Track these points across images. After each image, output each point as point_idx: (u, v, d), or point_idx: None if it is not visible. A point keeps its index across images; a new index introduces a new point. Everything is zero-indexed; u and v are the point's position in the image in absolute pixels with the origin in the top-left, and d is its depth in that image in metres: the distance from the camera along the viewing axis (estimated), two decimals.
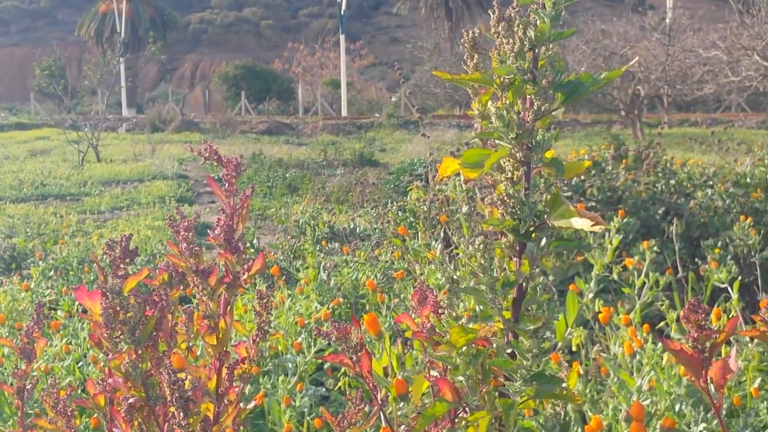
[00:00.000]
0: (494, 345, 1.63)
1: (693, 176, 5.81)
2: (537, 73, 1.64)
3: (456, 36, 35.18)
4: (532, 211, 1.60)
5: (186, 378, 1.61)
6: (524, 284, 1.65)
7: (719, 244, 4.91)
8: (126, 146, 24.42)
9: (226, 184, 1.75)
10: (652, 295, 4.21)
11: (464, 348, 1.63)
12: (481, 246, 1.59)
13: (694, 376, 1.57)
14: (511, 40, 1.64)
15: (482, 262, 1.58)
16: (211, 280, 1.69)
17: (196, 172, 17.57)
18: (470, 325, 1.66)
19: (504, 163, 1.65)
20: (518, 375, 1.59)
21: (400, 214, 6.01)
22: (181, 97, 48.52)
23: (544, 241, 1.63)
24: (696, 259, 4.96)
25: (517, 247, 1.64)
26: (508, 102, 1.68)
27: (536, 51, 1.65)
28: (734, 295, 3.83)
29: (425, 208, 4.76)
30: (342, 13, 40.29)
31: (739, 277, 3.99)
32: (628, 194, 5.51)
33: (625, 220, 5.30)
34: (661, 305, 4.25)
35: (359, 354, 1.78)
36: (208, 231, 1.79)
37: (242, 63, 47.31)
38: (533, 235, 1.62)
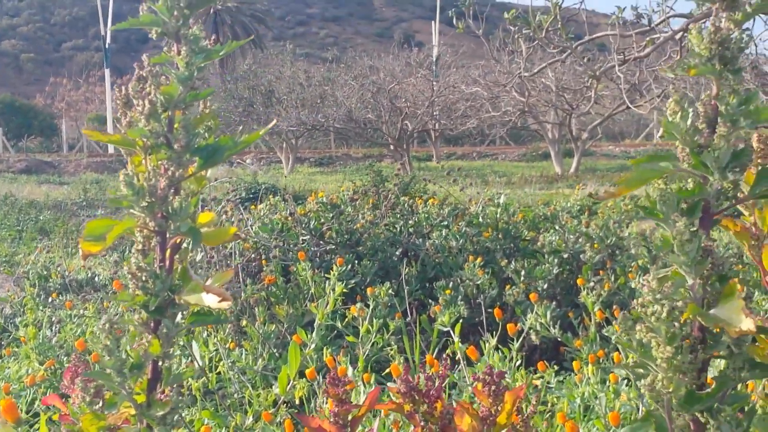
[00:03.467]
0: None
1: (431, 216, 5.92)
2: (171, 136, 1.54)
3: (226, 71, 34.84)
4: (166, 286, 1.49)
5: None
6: (160, 363, 1.53)
7: (451, 284, 5.00)
8: None
9: None
10: (380, 340, 4.21)
11: None
12: (107, 325, 1.46)
13: None
14: (142, 102, 1.53)
15: (108, 343, 1.45)
16: None
17: None
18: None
19: (136, 233, 1.53)
20: None
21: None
22: None
23: (179, 317, 1.52)
24: (431, 301, 5.03)
25: (152, 324, 1.52)
26: (150, 166, 1.57)
27: (171, 113, 1.55)
28: (456, 339, 3.86)
29: None
30: (107, 46, 39.08)
31: (461, 320, 4.06)
32: (367, 236, 5.54)
33: (363, 262, 5.32)
34: (391, 350, 4.27)
35: None
36: None
37: (0, 98, 44.98)
38: (168, 311, 1.51)
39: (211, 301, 1.43)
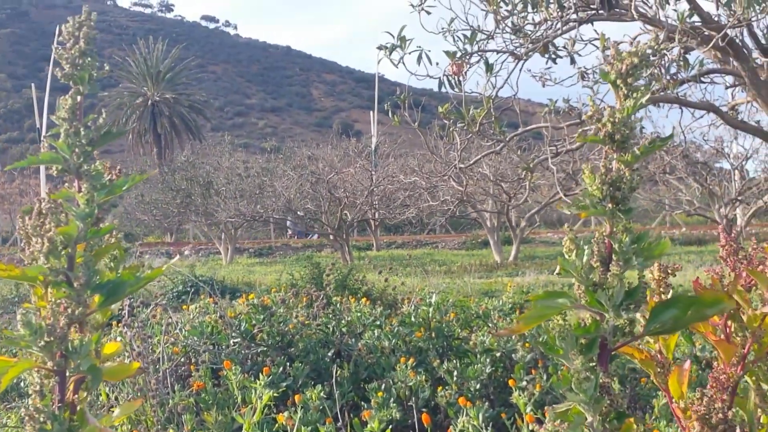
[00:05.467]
0: None
1: (363, 315, 5.89)
2: (71, 274, 1.51)
3: (164, 162, 34.73)
4: (64, 428, 1.45)
5: None
6: None
7: (383, 386, 4.96)
8: None
9: None
10: None
11: None
12: None
13: None
14: (40, 240, 1.50)
15: None
16: None
17: None
18: None
19: (33, 373, 1.50)
20: None
21: None
22: None
23: None
24: (364, 403, 4.97)
25: None
26: (50, 303, 1.54)
27: (71, 250, 1.53)
28: None
29: None
30: (42, 138, 38.76)
31: (393, 422, 4.01)
32: (299, 337, 5.49)
33: (294, 365, 5.26)
34: None
35: None
36: None
37: None
38: None
39: None
